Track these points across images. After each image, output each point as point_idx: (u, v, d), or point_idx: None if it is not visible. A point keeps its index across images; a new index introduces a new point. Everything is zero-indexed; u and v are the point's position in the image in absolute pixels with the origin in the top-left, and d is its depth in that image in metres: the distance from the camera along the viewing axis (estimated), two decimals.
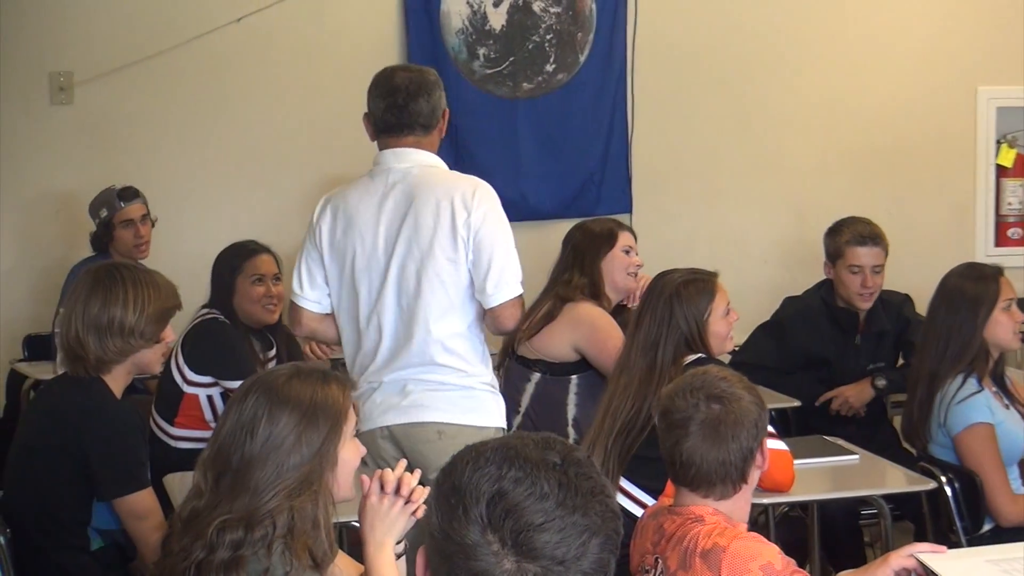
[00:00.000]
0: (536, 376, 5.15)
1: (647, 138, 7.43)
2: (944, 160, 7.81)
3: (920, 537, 4.81)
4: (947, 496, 4.50)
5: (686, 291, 4.26)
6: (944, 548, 3.21)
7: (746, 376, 3.32)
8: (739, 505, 3.15)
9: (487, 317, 4.34)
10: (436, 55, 7.07)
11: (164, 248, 6.40)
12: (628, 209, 7.39)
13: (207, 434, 5.00)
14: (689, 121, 7.52)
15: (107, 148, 6.82)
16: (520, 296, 4.38)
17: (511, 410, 5.16)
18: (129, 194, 6.25)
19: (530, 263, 6.54)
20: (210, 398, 5.17)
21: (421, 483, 3.02)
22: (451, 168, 4.54)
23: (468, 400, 4.32)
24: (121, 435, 3.93)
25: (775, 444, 3.87)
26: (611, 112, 7.37)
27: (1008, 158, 7.82)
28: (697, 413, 3.09)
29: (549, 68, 7.26)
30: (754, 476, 3.17)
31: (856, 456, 4.67)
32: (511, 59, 7.20)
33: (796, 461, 4.22)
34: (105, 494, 3.94)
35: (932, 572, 3.10)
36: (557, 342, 5.10)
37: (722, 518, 3.09)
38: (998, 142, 7.83)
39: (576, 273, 5.18)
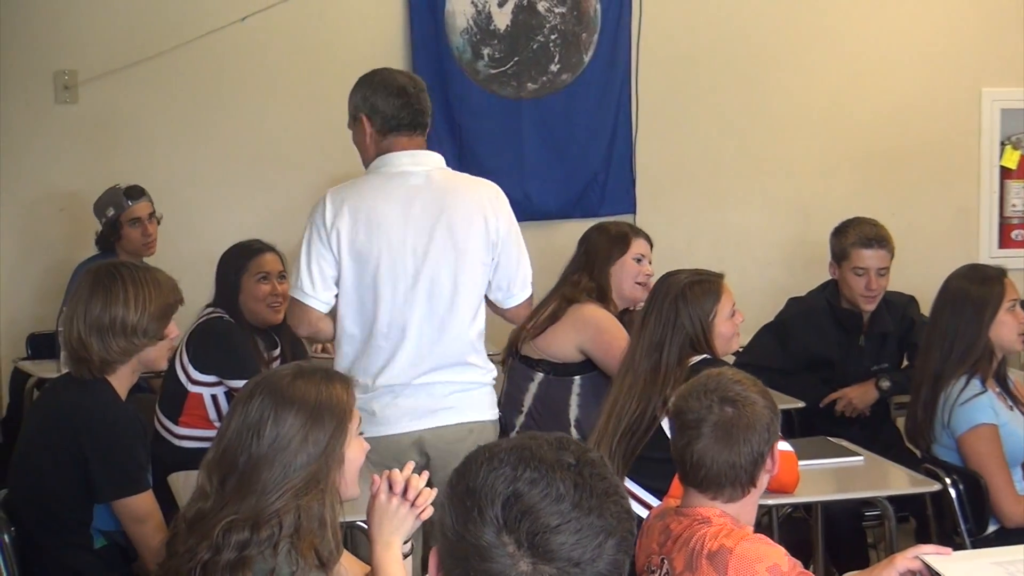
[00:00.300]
0: (539, 376, 5.15)
1: (651, 139, 7.44)
2: (948, 162, 7.82)
3: (922, 535, 4.82)
4: (951, 498, 4.50)
5: (692, 292, 4.26)
6: (949, 550, 3.21)
7: None
8: (746, 508, 3.15)
9: (503, 315, 4.55)
10: (440, 55, 7.08)
11: (168, 247, 6.40)
12: (632, 210, 7.40)
13: (211, 433, 5.00)
14: (693, 122, 7.52)
15: (111, 147, 6.83)
16: (532, 294, 4.61)
17: (514, 409, 5.18)
18: (136, 192, 6.25)
19: (534, 263, 6.55)
20: (214, 397, 5.16)
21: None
22: (455, 168, 4.59)
23: (489, 396, 4.50)
24: (120, 438, 3.92)
25: (781, 446, 3.86)
26: (615, 113, 7.37)
27: (1012, 160, 7.83)
28: (710, 415, 3.09)
29: (553, 68, 7.26)
30: (763, 480, 3.17)
31: (860, 457, 4.66)
32: (515, 59, 7.20)
33: (801, 462, 4.22)
34: (103, 497, 3.93)
35: (937, 574, 3.10)
36: (562, 342, 5.10)
37: (729, 520, 3.08)
38: (1002, 144, 7.84)
39: (585, 276, 5.19)
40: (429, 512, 3.03)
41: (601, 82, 7.34)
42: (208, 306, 5.33)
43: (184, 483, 4.28)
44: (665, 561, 3.13)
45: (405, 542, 3.05)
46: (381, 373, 4.33)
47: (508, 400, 5.25)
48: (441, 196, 4.35)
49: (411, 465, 3.11)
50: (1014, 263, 6.47)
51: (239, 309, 5.30)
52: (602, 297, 5.17)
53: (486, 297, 4.50)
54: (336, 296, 4.38)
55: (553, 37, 7.25)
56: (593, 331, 5.07)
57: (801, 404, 5.48)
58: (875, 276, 5.65)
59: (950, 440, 4.62)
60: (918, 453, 4.96)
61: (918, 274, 6.20)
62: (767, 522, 4.89)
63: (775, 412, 3.19)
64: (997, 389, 4.66)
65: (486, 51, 7.17)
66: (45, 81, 6.76)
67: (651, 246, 5.36)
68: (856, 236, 5.69)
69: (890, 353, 5.81)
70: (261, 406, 2.85)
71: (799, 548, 4.51)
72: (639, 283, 5.20)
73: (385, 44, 7.07)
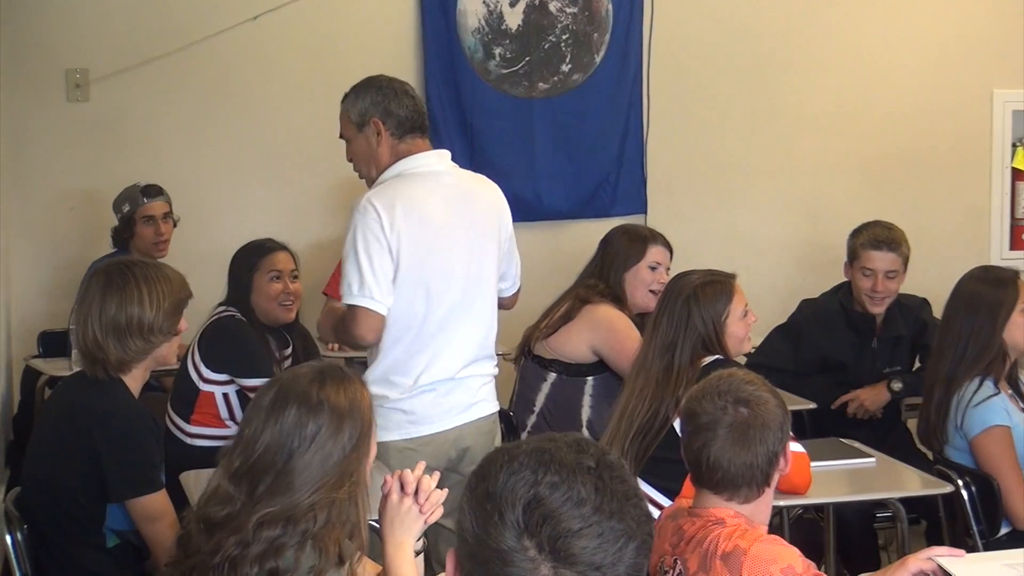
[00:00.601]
0: (552, 376, 5.15)
1: (662, 139, 7.44)
2: (959, 163, 7.81)
3: (933, 537, 4.81)
4: (964, 499, 4.49)
5: (704, 293, 4.26)
6: (962, 552, 3.21)
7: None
8: (760, 508, 3.15)
9: (502, 304, 4.64)
10: (452, 54, 7.08)
11: (181, 245, 6.40)
12: (643, 210, 7.40)
13: (223, 432, 5.03)
14: (704, 123, 7.52)
15: (123, 145, 6.84)
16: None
17: (526, 409, 5.19)
18: (153, 191, 6.26)
19: (545, 263, 6.56)
20: (226, 396, 5.16)
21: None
22: (467, 168, 4.66)
23: (494, 387, 4.61)
24: (133, 437, 3.92)
25: (793, 447, 3.85)
26: (626, 113, 7.37)
27: (1023, 161, 7.82)
28: (725, 416, 3.08)
29: (565, 68, 7.26)
30: (775, 479, 3.18)
31: (873, 459, 4.65)
32: (527, 59, 7.20)
33: (813, 463, 4.21)
34: (117, 496, 3.93)
35: None
36: (575, 342, 5.10)
37: (743, 520, 3.08)
38: (1013, 145, 7.83)
39: (600, 281, 5.19)
40: (438, 515, 3.05)
41: (612, 82, 7.34)
42: (220, 305, 5.32)
43: (196, 482, 4.28)
44: (678, 562, 3.12)
45: (418, 539, 3.06)
46: (425, 371, 4.36)
47: (520, 399, 5.26)
48: (468, 194, 4.46)
49: (422, 465, 3.12)
50: None
51: (251, 308, 5.29)
52: (617, 299, 5.17)
53: None
54: None
55: (565, 37, 7.25)
56: (606, 332, 5.07)
57: (813, 405, 5.47)
58: (882, 278, 5.64)
59: (963, 442, 4.62)
60: (929, 455, 4.96)
61: (929, 275, 6.19)
62: (778, 523, 4.88)
63: (786, 411, 3.20)
64: (1009, 391, 4.67)
65: (498, 51, 7.16)
66: (57, 79, 6.77)
67: (671, 253, 5.34)
68: (867, 237, 5.69)
69: (902, 356, 5.81)
70: (296, 415, 2.88)
71: (810, 549, 4.50)
72: (652, 291, 5.17)
73: (397, 43, 7.08)
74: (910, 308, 5.82)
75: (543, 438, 1.88)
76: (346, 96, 4.54)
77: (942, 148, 7.77)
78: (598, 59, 7.31)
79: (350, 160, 4.55)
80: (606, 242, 5.33)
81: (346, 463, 2.89)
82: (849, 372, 5.72)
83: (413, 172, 4.39)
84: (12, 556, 3.91)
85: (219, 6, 6.87)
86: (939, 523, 4.76)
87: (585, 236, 5.56)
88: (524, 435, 5.15)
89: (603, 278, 5.21)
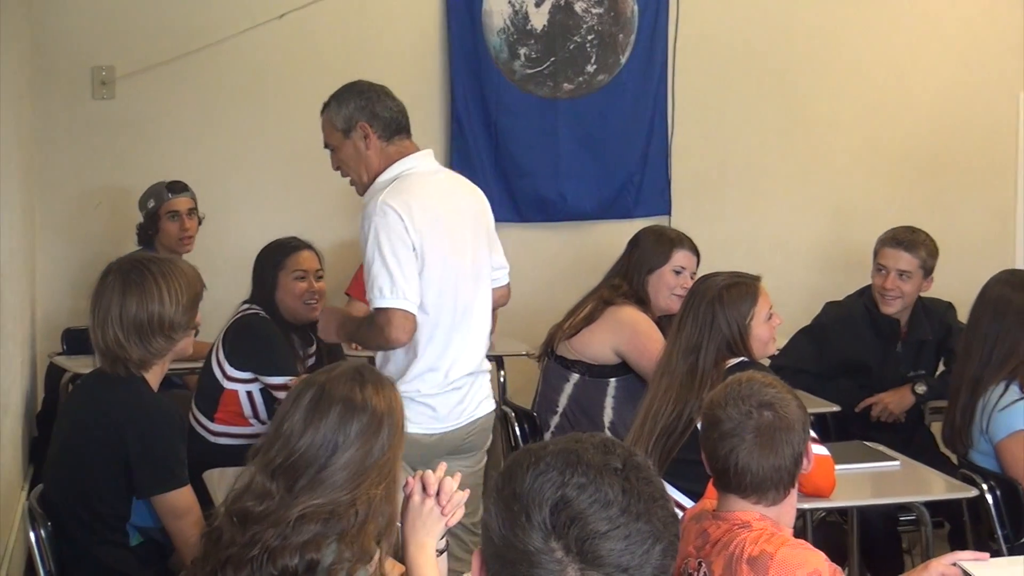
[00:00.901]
0: (575, 377, 5.14)
1: (687, 140, 7.42)
2: (985, 165, 7.78)
3: (956, 541, 4.79)
4: (988, 503, 4.47)
5: (728, 295, 4.25)
6: (987, 555, 3.20)
7: (786, 380, 3.35)
8: (785, 510, 3.14)
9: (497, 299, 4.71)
10: (477, 54, 7.08)
11: (205, 243, 6.40)
12: (667, 211, 7.39)
13: (246, 430, 5.04)
14: (729, 124, 7.51)
15: (148, 143, 6.85)
16: None
17: (548, 409, 5.18)
18: (178, 187, 6.26)
19: (568, 263, 6.55)
20: (250, 394, 5.16)
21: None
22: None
23: None
24: (160, 433, 3.92)
25: (818, 449, 3.85)
26: (651, 113, 7.36)
27: None
28: (750, 421, 3.08)
29: (590, 69, 7.25)
30: (797, 479, 3.17)
31: (897, 462, 4.63)
32: (552, 59, 7.19)
33: (837, 466, 4.20)
34: (144, 492, 3.93)
35: None
36: (598, 344, 5.09)
37: (769, 523, 3.07)
38: None
39: (624, 282, 5.18)
40: (459, 516, 3.06)
41: (637, 83, 7.33)
42: (245, 302, 5.32)
43: (219, 480, 4.29)
44: (703, 564, 3.12)
45: (441, 538, 3.06)
46: (453, 367, 4.41)
47: (543, 400, 5.25)
48: (460, 191, 4.55)
49: (443, 466, 3.12)
50: None
51: (275, 306, 5.30)
52: (640, 300, 5.16)
53: None
54: None
55: (590, 38, 7.24)
56: (629, 333, 5.06)
57: (836, 408, 5.45)
58: (893, 276, 5.60)
59: (987, 445, 4.60)
60: (953, 458, 4.94)
61: (954, 278, 6.16)
62: (801, 526, 4.85)
63: (805, 410, 3.20)
64: None
65: (523, 51, 7.16)
66: (82, 77, 6.78)
67: (698, 258, 5.31)
68: (888, 235, 5.70)
69: (927, 359, 5.79)
70: (339, 414, 2.93)
71: (834, 552, 4.49)
72: (676, 295, 5.13)
73: (422, 43, 7.08)
74: (935, 312, 5.81)
75: (569, 439, 1.87)
76: (327, 104, 4.54)
77: (968, 151, 7.74)
78: (623, 60, 7.30)
79: (336, 169, 4.57)
80: (634, 242, 5.32)
81: (384, 461, 2.94)
82: (873, 375, 5.70)
83: (415, 172, 4.41)
84: (36, 553, 3.92)
85: (245, 4, 6.88)
86: (963, 527, 4.75)
87: (609, 237, 5.55)
88: (548, 435, 5.15)
89: (627, 279, 5.20)
